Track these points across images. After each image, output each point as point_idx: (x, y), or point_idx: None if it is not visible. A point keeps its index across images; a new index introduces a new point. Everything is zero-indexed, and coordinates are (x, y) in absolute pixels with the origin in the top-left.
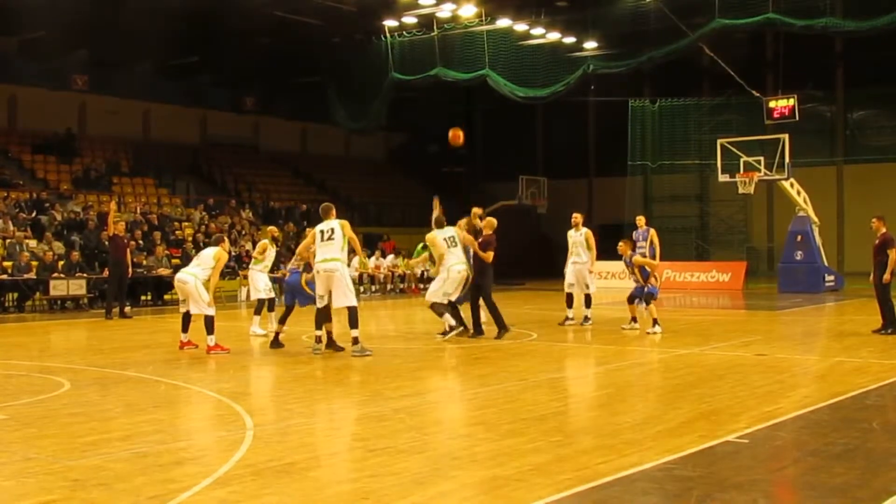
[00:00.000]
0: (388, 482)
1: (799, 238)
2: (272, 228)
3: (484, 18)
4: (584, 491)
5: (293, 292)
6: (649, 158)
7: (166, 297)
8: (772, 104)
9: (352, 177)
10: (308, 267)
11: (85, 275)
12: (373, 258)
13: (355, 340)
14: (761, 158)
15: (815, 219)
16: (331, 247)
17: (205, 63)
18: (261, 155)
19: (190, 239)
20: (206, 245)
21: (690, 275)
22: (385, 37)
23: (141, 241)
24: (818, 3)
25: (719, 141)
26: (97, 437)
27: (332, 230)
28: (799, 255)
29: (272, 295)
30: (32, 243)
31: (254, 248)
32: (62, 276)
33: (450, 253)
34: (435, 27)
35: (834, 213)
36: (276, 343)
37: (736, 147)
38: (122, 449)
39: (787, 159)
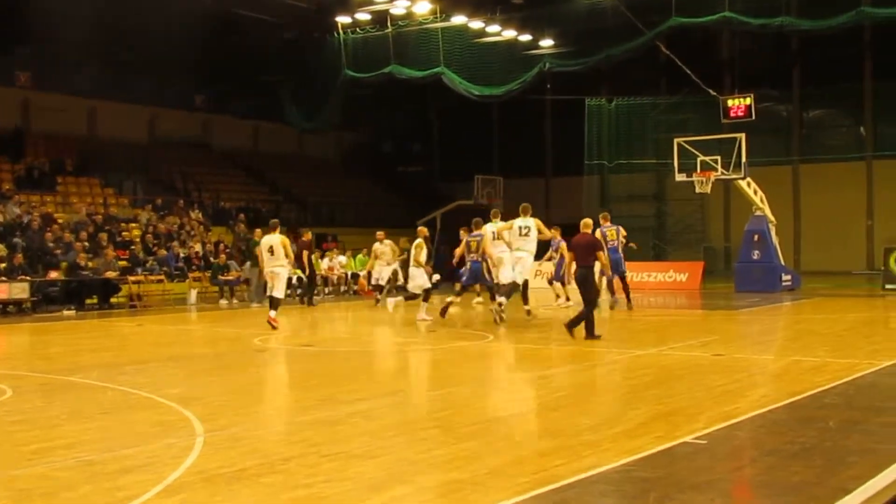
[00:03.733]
0: (342, 487)
1: (756, 237)
2: (423, 229)
3: (439, 15)
4: (542, 493)
5: (475, 276)
6: (606, 157)
7: (112, 300)
8: (728, 103)
9: (305, 176)
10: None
11: (28, 278)
12: (325, 259)
13: (501, 304)
14: (718, 158)
15: (772, 218)
16: (527, 241)
17: (154, 60)
18: (213, 154)
19: (138, 240)
20: (154, 246)
21: (648, 275)
22: (338, 34)
23: (87, 243)
24: (775, 2)
25: (676, 140)
26: (42, 445)
27: (529, 228)
28: (756, 255)
29: (431, 285)
30: None
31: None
32: (4, 279)
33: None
34: (389, 24)
35: (790, 212)
36: (444, 312)
37: (693, 146)
38: (68, 457)
39: (743, 158)
